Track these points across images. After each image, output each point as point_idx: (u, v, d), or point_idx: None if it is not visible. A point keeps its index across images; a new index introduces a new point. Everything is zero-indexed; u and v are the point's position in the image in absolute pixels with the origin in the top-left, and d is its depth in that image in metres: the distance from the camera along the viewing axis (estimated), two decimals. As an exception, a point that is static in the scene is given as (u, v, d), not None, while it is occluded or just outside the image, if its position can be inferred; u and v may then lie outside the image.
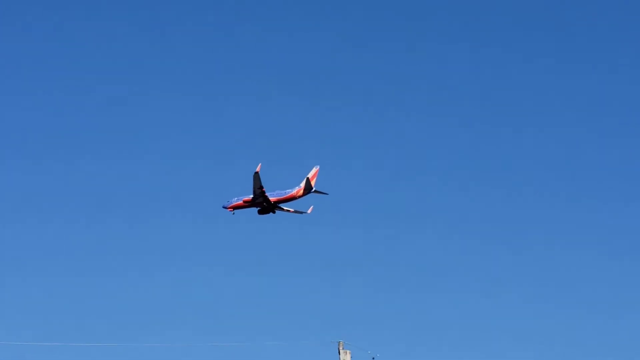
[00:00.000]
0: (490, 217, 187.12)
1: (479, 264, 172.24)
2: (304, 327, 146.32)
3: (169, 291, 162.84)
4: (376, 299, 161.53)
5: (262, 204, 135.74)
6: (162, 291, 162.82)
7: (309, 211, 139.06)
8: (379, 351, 73.83)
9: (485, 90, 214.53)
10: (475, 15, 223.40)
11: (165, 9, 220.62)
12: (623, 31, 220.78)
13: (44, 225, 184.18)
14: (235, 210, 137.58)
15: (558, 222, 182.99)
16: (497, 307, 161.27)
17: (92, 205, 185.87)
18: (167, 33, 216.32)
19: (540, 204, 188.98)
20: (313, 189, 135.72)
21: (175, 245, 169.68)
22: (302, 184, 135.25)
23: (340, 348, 72.52)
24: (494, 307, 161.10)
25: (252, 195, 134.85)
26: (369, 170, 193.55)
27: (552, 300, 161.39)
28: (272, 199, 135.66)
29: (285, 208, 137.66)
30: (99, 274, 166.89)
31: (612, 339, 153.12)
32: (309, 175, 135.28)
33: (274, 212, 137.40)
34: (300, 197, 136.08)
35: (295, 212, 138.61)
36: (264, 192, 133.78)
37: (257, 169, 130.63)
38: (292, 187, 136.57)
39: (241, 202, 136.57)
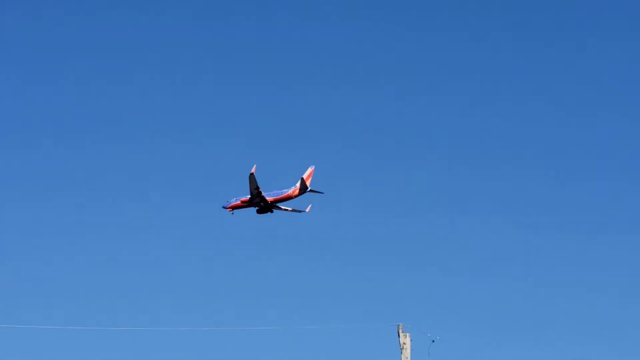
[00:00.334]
0: (538, 201, 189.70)
1: (536, 249, 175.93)
2: (363, 311, 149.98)
3: (241, 277, 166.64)
4: (436, 283, 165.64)
5: (260, 203, 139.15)
6: (237, 277, 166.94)
7: (307, 210, 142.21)
8: (439, 335, 73.90)
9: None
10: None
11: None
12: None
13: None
14: (234, 210, 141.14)
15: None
16: (555, 294, 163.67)
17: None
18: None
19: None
20: (308, 189, 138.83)
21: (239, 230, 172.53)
22: (298, 184, 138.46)
23: (400, 331, 72.67)
24: (552, 295, 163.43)
25: (249, 196, 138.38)
26: (418, 159, 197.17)
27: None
28: (269, 199, 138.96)
29: (283, 207, 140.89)
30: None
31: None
32: (304, 176, 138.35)
33: (271, 212, 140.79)
34: (296, 196, 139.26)
35: (294, 210, 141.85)
36: (260, 192, 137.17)
37: (252, 170, 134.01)
38: (289, 187, 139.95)
39: (239, 202, 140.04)
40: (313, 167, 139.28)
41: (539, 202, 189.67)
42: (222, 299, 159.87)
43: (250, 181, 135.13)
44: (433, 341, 72.84)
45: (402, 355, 71.31)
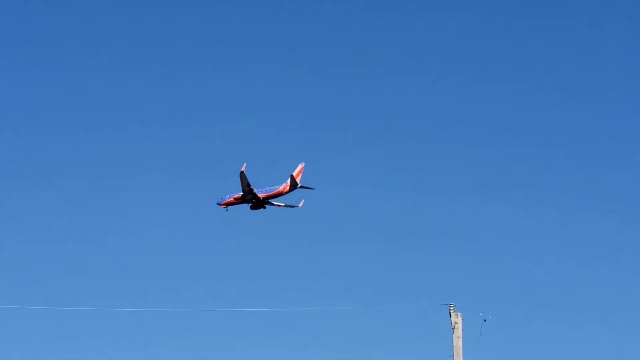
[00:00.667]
0: (595, 184, 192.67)
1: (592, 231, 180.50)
2: (416, 291, 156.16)
3: (298, 261, 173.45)
4: (489, 264, 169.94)
5: (252, 200, 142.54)
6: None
7: (300, 205, 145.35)
8: (491, 314, 73.90)
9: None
10: None
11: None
12: None
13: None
14: (228, 207, 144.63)
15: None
16: (609, 275, 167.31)
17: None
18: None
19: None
20: (299, 185, 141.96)
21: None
22: (288, 181, 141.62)
23: (452, 311, 73.35)
24: (605, 277, 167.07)
25: (241, 193, 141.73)
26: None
27: None
28: (260, 195, 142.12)
29: (275, 203, 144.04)
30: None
31: None
32: (294, 173, 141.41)
33: (264, 208, 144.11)
34: (287, 192, 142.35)
35: (287, 206, 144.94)
36: (252, 189, 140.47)
37: (243, 169, 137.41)
38: (279, 183, 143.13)
39: (232, 199, 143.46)
40: (303, 164, 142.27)
41: (595, 185, 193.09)
42: (274, 282, 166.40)
43: (241, 179, 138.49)
44: (485, 320, 73.29)
45: (454, 335, 72.08)
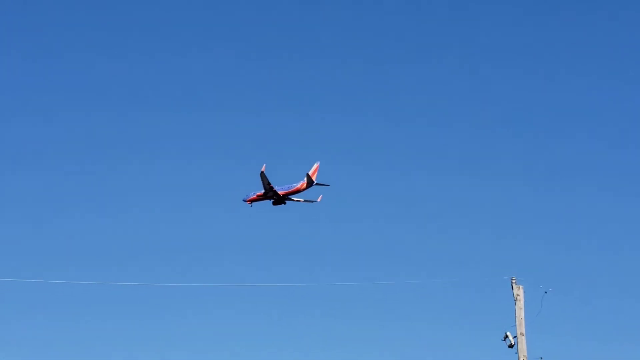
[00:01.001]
0: None
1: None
2: (479, 265, 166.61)
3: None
4: (551, 238, 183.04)
5: (273, 197, 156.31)
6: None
7: (318, 200, 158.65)
8: (551, 286, 75.54)
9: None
10: None
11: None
12: None
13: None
14: (252, 203, 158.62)
15: None
16: None
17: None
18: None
19: None
20: (314, 183, 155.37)
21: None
22: (305, 179, 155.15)
23: (513, 283, 75.61)
24: None
25: (263, 190, 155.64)
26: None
27: None
28: (280, 192, 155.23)
29: (295, 199, 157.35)
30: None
31: None
32: (309, 172, 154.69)
33: (284, 203, 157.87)
34: (304, 189, 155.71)
35: (306, 201, 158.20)
36: (272, 187, 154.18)
37: (262, 169, 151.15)
38: (297, 181, 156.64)
39: (255, 196, 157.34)
40: (318, 163, 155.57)
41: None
42: (336, 259, 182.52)
43: (262, 178, 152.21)
44: (546, 292, 74.62)
45: (516, 306, 74.23)
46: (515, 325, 73.06)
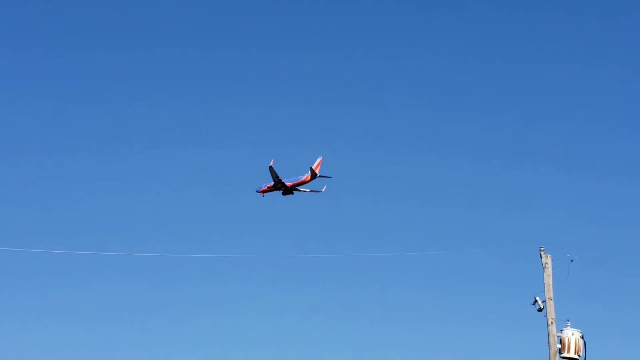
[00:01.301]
0: None
1: None
2: (508, 235, 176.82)
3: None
4: (578, 212, 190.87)
5: (281, 188, 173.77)
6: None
7: (323, 190, 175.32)
8: (578, 255, 79.05)
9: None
10: None
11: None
12: None
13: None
14: (265, 194, 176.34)
15: None
16: None
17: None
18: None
19: None
20: (318, 175, 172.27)
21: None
22: (309, 172, 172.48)
23: (542, 252, 79.73)
24: None
25: (273, 182, 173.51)
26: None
27: None
28: (288, 184, 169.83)
29: (302, 189, 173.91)
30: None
31: None
32: (312, 166, 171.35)
33: (292, 194, 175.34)
34: (309, 181, 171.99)
35: (312, 191, 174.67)
36: (280, 180, 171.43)
37: (271, 164, 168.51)
38: (303, 173, 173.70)
39: (266, 187, 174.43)
40: (321, 157, 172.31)
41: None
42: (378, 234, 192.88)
43: (270, 172, 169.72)
44: (572, 260, 78.42)
45: (545, 273, 77.54)
46: (544, 291, 78.43)
